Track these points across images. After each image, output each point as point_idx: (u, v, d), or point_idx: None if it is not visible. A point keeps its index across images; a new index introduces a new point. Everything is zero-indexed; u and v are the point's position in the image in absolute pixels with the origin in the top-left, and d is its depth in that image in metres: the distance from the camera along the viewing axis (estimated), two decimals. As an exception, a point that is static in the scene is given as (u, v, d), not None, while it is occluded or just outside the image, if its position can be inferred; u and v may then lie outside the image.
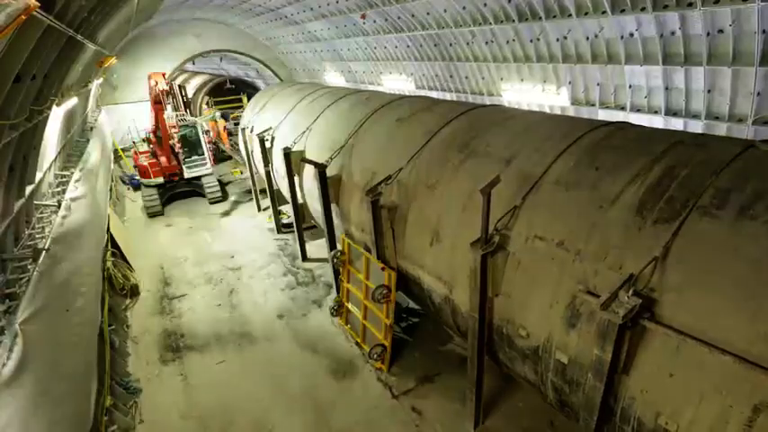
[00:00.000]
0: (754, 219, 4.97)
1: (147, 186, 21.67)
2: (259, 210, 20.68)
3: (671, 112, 12.03)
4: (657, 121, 12.30)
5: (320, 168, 11.14)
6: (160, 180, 21.67)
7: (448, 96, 20.16)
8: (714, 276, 4.97)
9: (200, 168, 22.32)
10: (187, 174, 22.03)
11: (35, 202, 9.14)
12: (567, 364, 6.33)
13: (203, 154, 22.36)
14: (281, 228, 17.98)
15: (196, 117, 27.85)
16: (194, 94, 50.19)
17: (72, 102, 12.20)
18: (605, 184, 6.45)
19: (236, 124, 30.69)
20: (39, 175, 9.24)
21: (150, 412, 9.60)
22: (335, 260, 11.53)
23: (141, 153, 23.11)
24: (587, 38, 12.93)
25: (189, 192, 22.96)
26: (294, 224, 15.29)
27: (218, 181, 23.52)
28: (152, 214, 21.03)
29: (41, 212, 9.21)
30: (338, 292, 12.09)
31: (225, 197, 23.19)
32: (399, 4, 17.88)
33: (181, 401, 9.84)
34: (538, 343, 6.70)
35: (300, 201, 14.39)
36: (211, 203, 22.30)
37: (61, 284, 7.52)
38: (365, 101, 13.25)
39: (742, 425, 4.51)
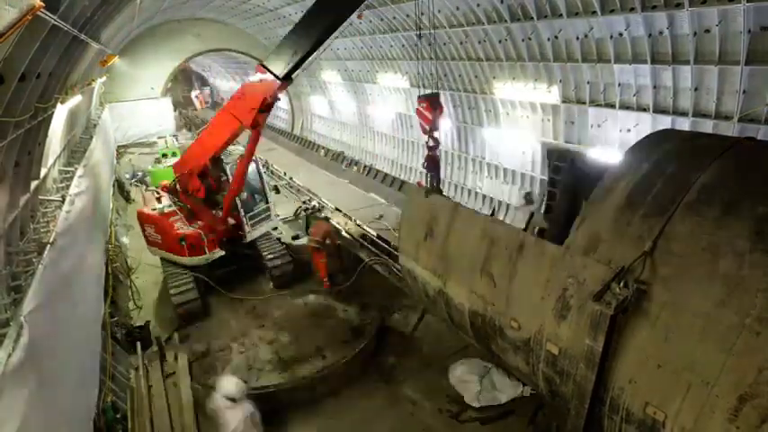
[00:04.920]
0: (739, 215, 5.09)
1: (174, 265, 12.33)
2: None
3: (659, 110, 12.25)
4: (645, 119, 12.52)
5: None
6: (217, 254, 12.36)
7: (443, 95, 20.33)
8: (701, 270, 5.09)
9: (266, 222, 13.71)
10: (251, 234, 13.03)
11: (40, 197, 9.28)
12: (557, 355, 6.48)
13: (268, 201, 13.83)
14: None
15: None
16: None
17: (76, 99, 12.32)
18: (594, 179, 6.61)
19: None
20: (43, 171, 9.39)
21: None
22: None
23: (168, 215, 12.30)
24: (578, 37, 13.15)
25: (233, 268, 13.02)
26: None
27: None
28: (189, 315, 11.25)
29: (46, 207, 9.32)
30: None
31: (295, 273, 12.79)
32: (395, 5, 18.06)
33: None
34: (529, 335, 6.84)
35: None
36: (276, 285, 12.57)
37: (65, 277, 7.62)
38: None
39: (728, 414, 4.62)
